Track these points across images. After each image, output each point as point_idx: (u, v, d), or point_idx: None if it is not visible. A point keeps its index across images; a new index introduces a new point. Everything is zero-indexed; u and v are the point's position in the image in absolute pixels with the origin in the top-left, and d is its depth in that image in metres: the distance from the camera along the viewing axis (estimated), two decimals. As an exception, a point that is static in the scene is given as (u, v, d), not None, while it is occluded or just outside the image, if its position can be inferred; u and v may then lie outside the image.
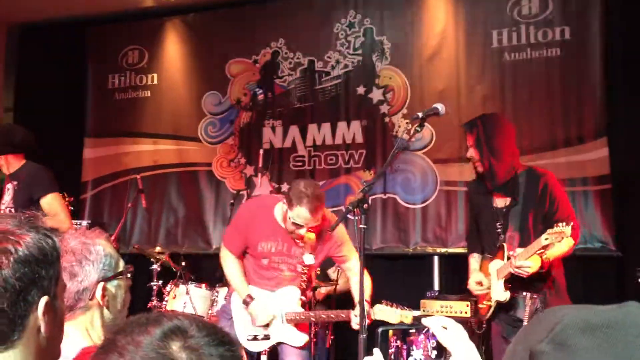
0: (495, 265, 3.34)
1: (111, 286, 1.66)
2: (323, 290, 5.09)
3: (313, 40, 6.20)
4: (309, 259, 3.38)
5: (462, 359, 1.30)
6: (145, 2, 6.54)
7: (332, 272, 5.24)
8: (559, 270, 3.21)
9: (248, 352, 3.49)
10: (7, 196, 3.90)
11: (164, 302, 4.89)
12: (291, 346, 3.42)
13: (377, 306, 3.18)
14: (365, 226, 2.42)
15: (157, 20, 6.78)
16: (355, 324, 3.13)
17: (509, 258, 3.16)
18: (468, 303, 4.59)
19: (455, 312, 4.61)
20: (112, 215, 6.61)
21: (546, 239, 2.89)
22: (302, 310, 3.40)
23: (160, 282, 5.03)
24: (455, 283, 5.52)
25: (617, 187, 5.04)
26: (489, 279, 3.39)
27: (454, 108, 5.42)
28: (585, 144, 5.16)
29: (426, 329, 1.45)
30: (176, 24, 6.72)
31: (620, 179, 5.06)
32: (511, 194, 3.25)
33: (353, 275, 3.40)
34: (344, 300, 5.32)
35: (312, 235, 3.36)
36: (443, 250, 5.53)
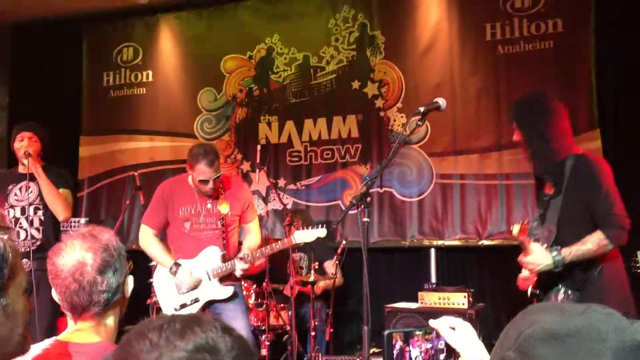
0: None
1: (129, 280, 1.70)
2: (321, 283, 5.14)
3: (308, 36, 6.22)
4: (224, 208, 3.71)
5: (471, 358, 1.31)
6: (139, -1, 6.53)
7: (329, 267, 5.29)
8: (608, 265, 2.81)
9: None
10: (32, 194, 4.01)
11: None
12: (220, 302, 3.69)
13: (296, 232, 3.71)
14: (368, 220, 2.46)
15: (151, 17, 6.78)
16: (239, 268, 3.63)
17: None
18: (465, 294, 4.66)
19: (453, 304, 4.68)
20: (109, 212, 6.62)
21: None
22: (225, 264, 3.67)
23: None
24: (452, 275, 5.59)
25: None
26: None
27: (449, 101, 5.35)
28: (578, 136, 5.20)
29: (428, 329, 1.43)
30: (170, 20, 6.73)
31: (613, 170, 5.11)
32: (556, 183, 2.93)
33: (251, 235, 3.90)
34: (341, 294, 5.39)
35: (226, 206, 3.73)
36: (439, 242, 5.59)
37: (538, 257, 2.77)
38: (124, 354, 0.84)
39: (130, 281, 1.69)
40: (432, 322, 1.33)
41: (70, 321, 1.65)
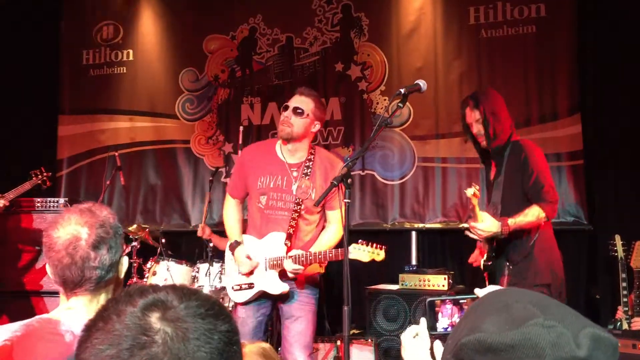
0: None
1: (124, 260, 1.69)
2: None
3: (291, 17, 6.17)
4: (304, 184, 3.31)
5: None
6: (120, -24, 6.42)
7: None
8: (541, 240, 3.24)
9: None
10: None
11: (145, 279, 4.91)
12: (279, 299, 3.33)
13: (353, 245, 3.16)
14: (349, 200, 2.47)
15: (132, -5, 6.67)
16: (289, 267, 3.16)
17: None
18: (446, 276, 4.71)
19: (433, 286, 4.73)
20: (88, 192, 6.54)
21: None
22: (283, 257, 3.24)
23: (141, 259, 5.04)
24: (433, 257, 5.64)
25: (590, 163, 5.16)
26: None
27: (431, 85, 5.46)
28: (559, 120, 5.27)
29: (458, 299, 1.41)
30: (151, -1, 6.62)
31: (593, 155, 5.18)
32: (497, 164, 3.35)
33: (329, 226, 3.40)
34: (323, 276, 5.40)
35: (307, 183, 3.32)
36: (421, 225, 5.62)
37: (488, 224, 3.10)
38: (100, 310, 0.90)
39: (125, 261, 1.68)
40: (478, 291, 1.28)
41: (62, 298, 1.63)
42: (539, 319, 0.76)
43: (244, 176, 3.43)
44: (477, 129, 3.34)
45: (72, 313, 1.57)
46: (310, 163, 3.34)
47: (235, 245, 3.38)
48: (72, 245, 1.55)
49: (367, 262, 3.23)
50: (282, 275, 3.28)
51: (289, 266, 3.16)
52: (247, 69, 6.29)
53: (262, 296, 3.35)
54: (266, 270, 3.30)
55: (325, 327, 5.09)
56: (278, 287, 3.28)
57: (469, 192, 3.08)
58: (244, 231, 3.51)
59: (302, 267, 3.15)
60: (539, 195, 3.15)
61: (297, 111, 3.25)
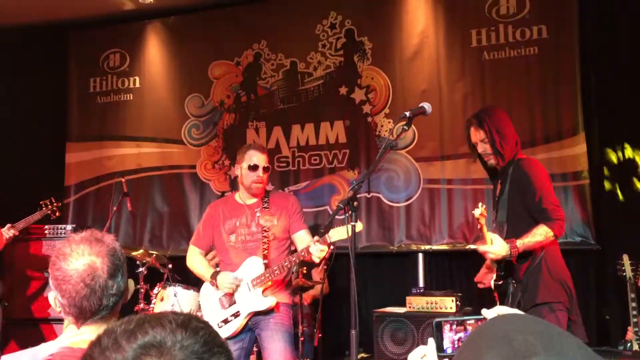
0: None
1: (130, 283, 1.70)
2: (311, 291, 5.14)
3: (295, 42, 6.24)
4: (267, 220, 3.59)
5: None
6: (126, 5, 6.52)
7: (316, 274, 5.29)
8: (548, 257, 3.18)
9: None
10: None
11: (152, 305, 4.90)
12: (260, 312, 3.47)
13: (332, 230, 3.27)
14: (355, 223, 2.47)
15: (138, 23, 6.77)
16: (316, 251, 3.25)
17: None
18: (453, 298, 4.69)
19: (441, 308, 4.70)
20: (95, 219, 6.58)
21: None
22: (264, 271, 3.47)
23: (148, 285, 5.04)
24: (440, 279, 5.61)
25: (595, 182, 5.16)
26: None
27: (436, 107, 5.49)
28: (563, 140, 5.28)
29: (465, 320, 1.41)
30: (157, 27, 6.72)
31: (598, 174, 5.18)
32: (502, 183, 3.32)
33: (302, 243, 3.56)
34: (330, 299, 5.39)
35: (270, 218, 3.61)
36: (427, 247, 5.60)
37: (498, 247, 3.07)
38: (85, 357, 0.84)
39: (131, 285, 1.70)
40: (485, 312, 1.27)
41: (70, 327, 1.64)
42: (539, 356, 0.75)
43: (211, 227, 3.73)
44: (483, 148, 3.32)
45: (86, 340, 1.57)
46: (267, 198, 3.70)
47: (215, 274, 3.58)
48: (90, 277, 1.56)
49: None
50: (266, 290, 3.48)
51: (315, 250, 3.27)
52: (252, 94, 6.35)
53: (244, 329, 3.50)
54: (249, 290, 3.48)
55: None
56: (264, 302, 3.47)
57: (477, 212, 3.08)
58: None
59: (326, 247, 3.28)
60: (545, 214, 3.11)
61: (267, 170, 3.66)
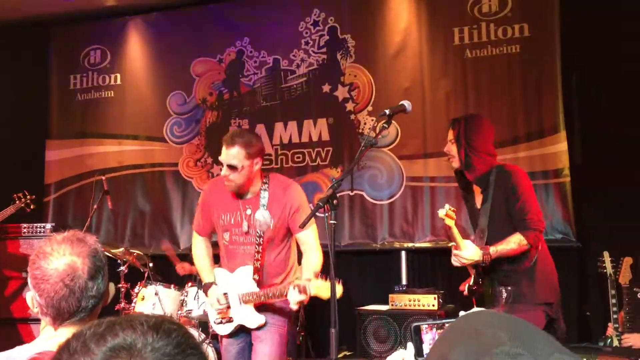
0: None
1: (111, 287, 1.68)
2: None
3: (278, 39, 6.21)
4: (259, 215, 3.24)
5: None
6: (108, 1, 6.45)
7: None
8: (539, 262, 3.21)
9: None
10: None
11: (132, 304, 4.85)
12: (252, 330, 3.32)
13: (312, 282, 3.01)
14: (335, 222, 2.46)
15: (119, 19, 6.70)
16: (293, 301, 2.99)
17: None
18: (435, 296, 4.70)
19: (423, 305, 4.71)
20: (76, 217, 6.51)
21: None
22: (256, 289, 3.23)
23: (129, 284, 4.99)
24: (422, 277, 5.63)
25: (576, 180, 5.20)
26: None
27: (419, 105, 5.51)
28: (545, 138, 5.31)
29: (443, 323, 1.40)
30: (138, 23, 6.66)
31: (579, 172, 5.22)
32: (483, 191, 3.31)
33: (306, 249, 3.30)
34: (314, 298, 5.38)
35: (263, 214, 3.26)
36: (410, 245, 5.61)
37: (471, 252, 3.09)
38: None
39: (111, 288, 1.67)
40: (463, 314, 1.26)
41: (47, 328, 1.61)
42: (504, 347, 0.75)
43: (208, 214, 3.45)
44: (448, 148, 3.33)
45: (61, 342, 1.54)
46: (266, 193, 3.30)
47: (208, 286, 3.41)
48: (69, 277, 1.54)
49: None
50: (257, 308, 3.29)
51: (293, 297, 3.00)
52: (235, 92, 6.31)
53: (241, 329, 3.37)
54: (240, 305, 3.31)
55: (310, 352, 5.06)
56: (255, 320, 3.29)
57: (441, 212, 3.02)
58: (218, 264, 3.54)
59: (305, 296, 2.99)
60: (523, 223, 3.12)
61: (231, 168, 3.19)
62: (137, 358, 0.77)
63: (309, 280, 3.03)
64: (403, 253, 5.65)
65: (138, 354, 0.77)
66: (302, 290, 2.94)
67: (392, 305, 4.81)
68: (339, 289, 2.82)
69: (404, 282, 5.52)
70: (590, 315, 5.07)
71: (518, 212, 3.15)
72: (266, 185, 3.31)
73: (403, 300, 4.78)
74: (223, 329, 3.40)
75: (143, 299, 4.80)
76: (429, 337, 1.38)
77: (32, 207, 5.30)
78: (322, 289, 2.95)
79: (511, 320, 0.81)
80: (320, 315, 5.49)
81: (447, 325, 1.40)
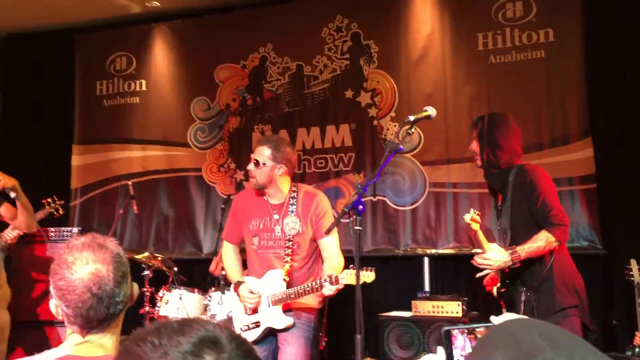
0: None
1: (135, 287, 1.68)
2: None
3: (301, 45, 6.24)
4: (288, 222, 3.37)
5: None
6: (133, 8, 6.54)
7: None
8: (558, 262, 3.14)
9: None
10: None
11: (157, 308, 4.89)
12: (280, 331, 3.37)
13: (345, 273, 3.09)
14: (360, 228, 2.47)
15: (144, 26, 6.78)
16: (327, 289, 3.07)
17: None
18: (459, 303, 4.67)
19: (447, 312, 4.68)
20: (101, 222, 6.59)
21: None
22: (285, 290, 3.31)
23: (153, 288, 5.04)
24: (445, 284, 5.59)
25: (602, 186, 5.13)
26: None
27: (441, 110, 5.48)
28: (570, 144, 5.25)
29: (474, 327, 1.39)
30: (163, 30, 6.74)
31: (605, 178, 5.15)
32: (501, 190, 3.27)
33: (328, 256, 3.39)
34: (336, 303, 5.37)
35: (292, 220, 3.39)
36: (433, 251, 5.58)
37: (496, 254, 3.05)
38: (126, 359, 0.83)
39: (135, 288, 1.66)
40: (494, 319, 1.26)
41: (73, 335, 1.57)
42: (547, 354, 0.75)
43: (238, 222, 3.56)
44: (473, 146, 3.32)
45: (89, 347, 1.55)
46: (294, 200, 3.44)
47: (238, 285, 3.47)
48: (96, 286, 1.50)
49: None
50: (285, 309, 3.37)
51: (327, 291, 3.10)
52: (258, 97, 6.35)
53: (268, 333, 3.41)
54: (269, 307, 3.38)
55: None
56: (282, 321, 3.36)
57: (467, 217, 3.04)
58: (246, 274, 3.60)
59: (340, 285, 3.08)
60: (547, 220, 3.07)
61: (255, 163, 3.40)
62: (223, 353, 0.80)
63: (329, 275, 3.11)
64: (426, 259, 5.63)
65: (223, 348, 0.81)
66: (335, 281, 3.04)
67: (415, 311, 4.79)
68: (372, 276, 2.97)
69: (427, 288, 5.49)
70: (617, 323, 4.99)
71: (540, 210, 3.09)
72: (295, 194, 3.47)
73: (426, 307, 4.76)
74: (250, 335, 3.42)
75: (167, 303, 4.84)
76: (459, 343, 1.37)
77: (61, 212, 5.38)
78: (352, 277, 2.99)
79: (550, 328, 0.81)
80: (341, 321, 5.48)
81: (477, 330, 1.39)
